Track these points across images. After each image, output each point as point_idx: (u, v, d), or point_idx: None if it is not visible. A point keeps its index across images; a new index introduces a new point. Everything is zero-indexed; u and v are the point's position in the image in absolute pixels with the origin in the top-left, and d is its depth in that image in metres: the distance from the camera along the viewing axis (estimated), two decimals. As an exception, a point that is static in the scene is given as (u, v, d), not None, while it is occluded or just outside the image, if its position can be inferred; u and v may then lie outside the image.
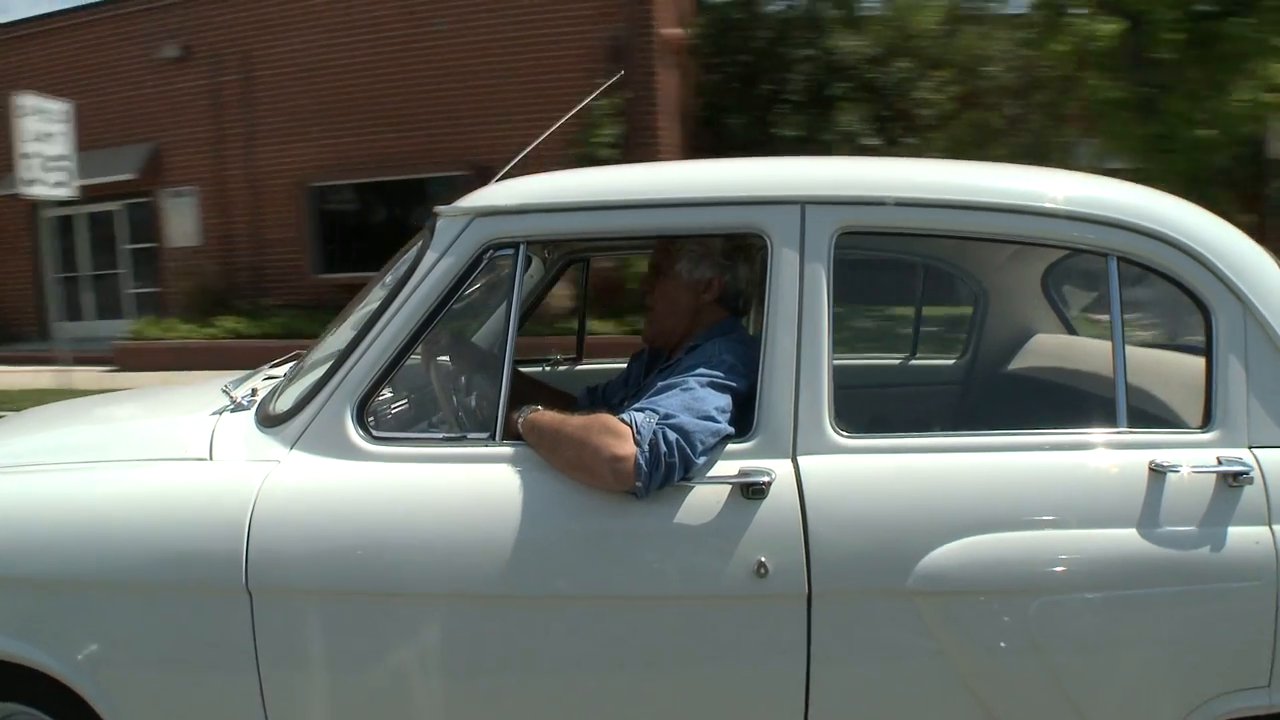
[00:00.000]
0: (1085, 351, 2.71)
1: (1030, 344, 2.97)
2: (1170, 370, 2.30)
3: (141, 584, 2.00)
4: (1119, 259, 2.03)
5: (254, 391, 2.43)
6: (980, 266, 3.06)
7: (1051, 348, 2.88)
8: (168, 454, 2.17)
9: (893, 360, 3.37)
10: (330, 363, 2.12)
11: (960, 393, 3.14)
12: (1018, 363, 2.93)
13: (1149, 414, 2.19)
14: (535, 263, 3.15)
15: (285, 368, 2.59)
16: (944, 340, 3.73)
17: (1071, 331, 2.99)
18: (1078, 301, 3.04)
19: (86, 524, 2.04)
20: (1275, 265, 2.10)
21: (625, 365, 2.77)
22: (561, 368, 3.44)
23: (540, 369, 3.39)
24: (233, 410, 2.31)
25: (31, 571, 2.04)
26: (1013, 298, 3.04)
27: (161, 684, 2.03)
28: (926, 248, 3.05)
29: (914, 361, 3.33)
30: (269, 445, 2.09)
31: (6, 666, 2.10)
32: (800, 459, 1.93)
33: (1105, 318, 2.09)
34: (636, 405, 1.96)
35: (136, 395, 3.34)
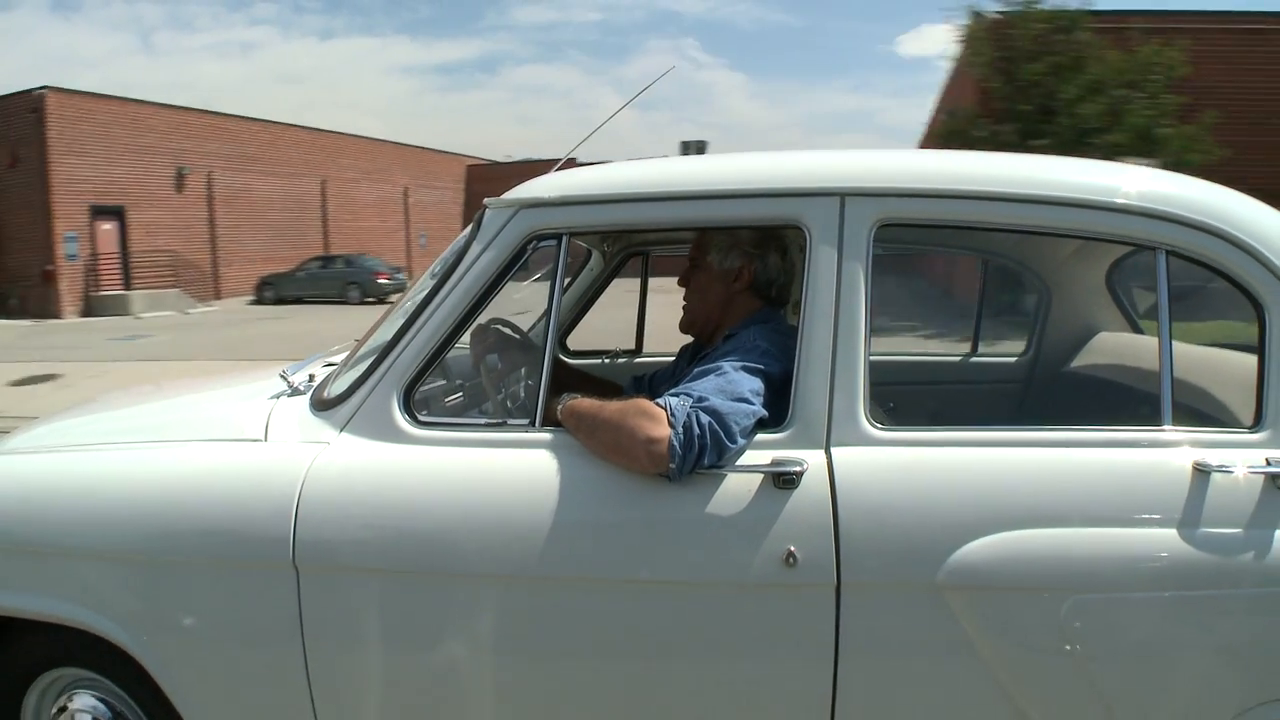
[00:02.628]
0: (1147, 350, 2.70)
1: (1093, 342, 2.96)
2: (1225, 368, 2.29)
3: (197, 558, 2.15)
4: (1168, 253, 2.03)
5: (311, 377, 2.57)
6: (1043, 263, 3.06)
7: (1113, 346, 2.87)
8: (226, 435, 2.32)
9: (953, 358, 3.38)
10: (380, 350, 2.25)
11: (1016, 390, 3.14)
12: (1078, 360, 2.92)
13: (1199, 412, 2.19)
14: (595, 256, 3.25)
15: (341, 355, 2.73)
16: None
17: (1137, 330, 2.97)
18: (1148, 300, 3.02)
19: (148, 499, 2.21)
20: None
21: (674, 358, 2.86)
22: (621, 360, 3.54)
23: (600, 361, 3.50)
24: (290, 395, 2.45)
25: (97, 544, 2.20)
26: (1077, 295, 3.03)
27: (213, 654, 2.18)
28: (988, 243, 3.06)
29: (974, 359, 3.34)
30: (320, 428, 2.23)
31: (74, 634, 2.28)
32: (834, 450, 1.99)
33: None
34: (672, 390, 2.05)
35: (203, 380, 3.54)
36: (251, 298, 30.02)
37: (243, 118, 32.30)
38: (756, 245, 2.39)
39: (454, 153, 45.17)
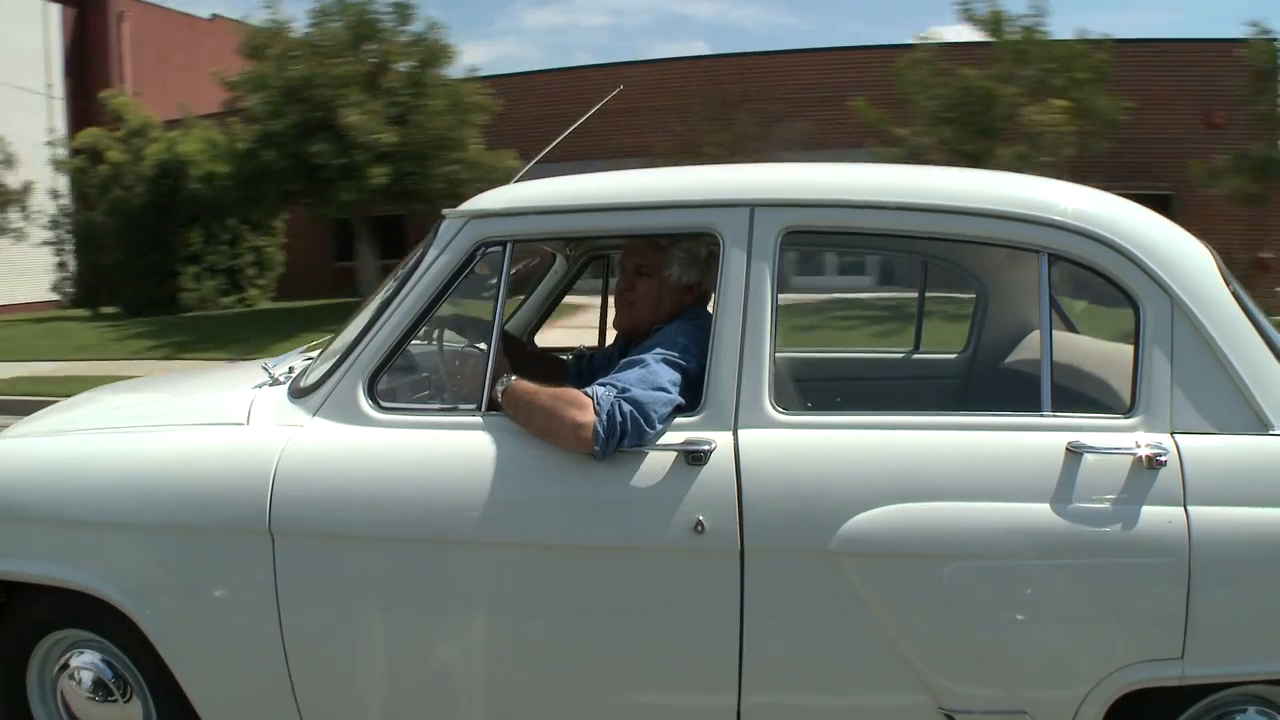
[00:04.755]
0: (1071, 346, 2.94)
1: (1027, 340, 3.21)
2: (1111, 359, 2.54)
3: (186, 526, 2.48)
4: (1049, 255, 2.30)
5: (290, 369, 2.90)
6: (979, 265, 3.32)
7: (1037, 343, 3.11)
8: (213, 419, 2.65)
9: (896, 354, 3.66)
10: (348, 345, 2.57)
11: (956, 384, 3.40)
12: (1010, 357, 3.17)
13: (1086, 398, 2.44)
14: (559, 260, 3.56)
15: (319, 350, 3.06)
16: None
17: (1072, 329, 3.21)
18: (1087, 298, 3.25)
19: (143, 475, 2.54)
20: (1208, 259, 2.32)
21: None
22: (585, 356, 3.83)
23: (566, 358, 3.80)
24: (271, 385, 2.78)
25: (99, 516, 2.54)
26: (1012, 295, 3.29)
27: (200, 614, 2.50)
28: (927, 248, 3.33)
29: (916, 355, 3.61)
30: (296, 413, 2.55)
31: (78, 597, 2.61)
32: (740, 431, 2.28)
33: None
34: (600, 380, 2.35)
35: (196, 373, 3.90)
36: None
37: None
38: (710, 261, 2.67)
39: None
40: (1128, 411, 2.26)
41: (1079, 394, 2.48)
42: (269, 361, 3.00)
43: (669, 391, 2.31)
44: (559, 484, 2.32)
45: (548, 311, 3.63)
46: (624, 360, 2.43)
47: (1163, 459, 2.17)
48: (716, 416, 2.30)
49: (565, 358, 3.43)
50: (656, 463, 2.27)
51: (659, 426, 2.28)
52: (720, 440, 2.27)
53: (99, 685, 2.70)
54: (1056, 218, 2.29)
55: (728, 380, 2.30)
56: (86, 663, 2.71)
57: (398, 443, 2.43)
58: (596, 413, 2.25)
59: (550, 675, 2.38)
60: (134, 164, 20.70)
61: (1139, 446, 2.19)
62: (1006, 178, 2.47)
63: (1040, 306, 2.33)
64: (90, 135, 21.49)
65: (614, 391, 2.29)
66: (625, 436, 2.24)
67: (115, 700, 2.70)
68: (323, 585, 2.42)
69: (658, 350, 2.40)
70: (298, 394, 2.62)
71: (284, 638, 2.43)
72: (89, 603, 2.61)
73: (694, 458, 2.25)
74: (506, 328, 3.14)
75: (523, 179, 2.73)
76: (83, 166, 21.76)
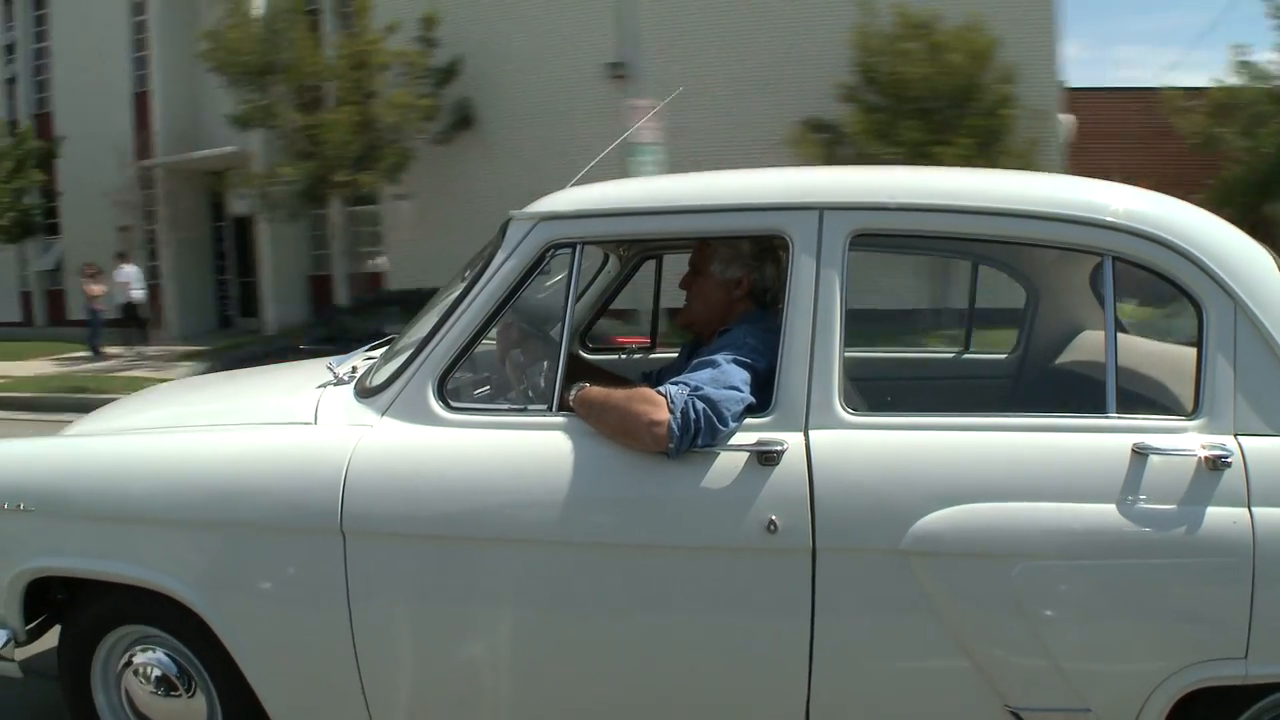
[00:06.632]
0: (1123, 347, 3.00)
1: (1077, 340, 3.28)
2: (1174, 362, 2.61)
3: (257, 526, 2.56)
4: (1114, 259, 2.37)
5: (354, 369, 2.98)
6: (1030, 267, 3.39)
7: (1092, 343, 3.19)
8: (281, 419, 2.74)
9: (946, 354, 3.73)
10: (416, 345, 2.65)
11: (1006, 384, 3.47)
12: (1063, 357, 3.25)
13: (1148, 400, 2.51)
14: (612, 260, 3.63)
15: (381, 350, 3.14)
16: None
17: (1122, 329, 3.28)
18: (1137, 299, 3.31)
19: (212, 475, 2.63)
20: (1270, 262, 2.39)
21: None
22: (637, 355, 3.93)
23: (618, 356, 3.88)
24: (335, 384, 2.86)
25: (169, 515, 2.62)
26: (1062, 297, 3.36)
27: (270, 613, 2.59)
28: (979, 250, 3.40)
29: (966, 356, 3.69)
30: (364, 413, 2.63)
31: (143, 594, 2.69)
32: (811, 432, 2.36)
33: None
34: (672, 380, 2.44)
35: (256, 372, 3.97)
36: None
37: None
38: (755, 257, 2.77)
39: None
40: (1191, 413, 2.32)
41: (1138, 395, 2.55)
42: (333, 361, 3.07)
43: (741, 391, 2.39)
44: (633, 484, 2.39)
45: (600, 312, 3.71)
46: (695, 361, 2.51)
47: (1227, 460, 2.23)
48: (787, 417, 2.37)
49: (616, 358, 3.51)
50: (729, 463, 2.34)
51: (731, 425, 2.35)
52: (791, 441, 2.34)
53: (163, 680, 2.79)
54: (1122, 222, 2.36)
55: (798, 382, 2.37)
56: (151, 659, 2.80)
57: (470, 442, 2.51)
58: (671, 410, 2.33)
59: (622, 673, 2.46)
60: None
61: (1203, 448, 2.25)
62: (1066, 181, 2.55)
63: (1105, 309, 2.39)
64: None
65: (687, 390, 2.36)
66: (699, 434, 2.32)
67: (179, 695, 2.79)
68: (395, 584, 2.50)
69: (727, 351, 2.48)
70: (365, 394, 2.70)
71: (354, 636, 2.51)
72: (155, 599, 2.69)
73: (766, 458, 2.33)
74: (553, 331, 3.21)
75: (579, 183, 2.80)
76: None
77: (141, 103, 22.26)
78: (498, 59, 17.66)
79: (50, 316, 24.49)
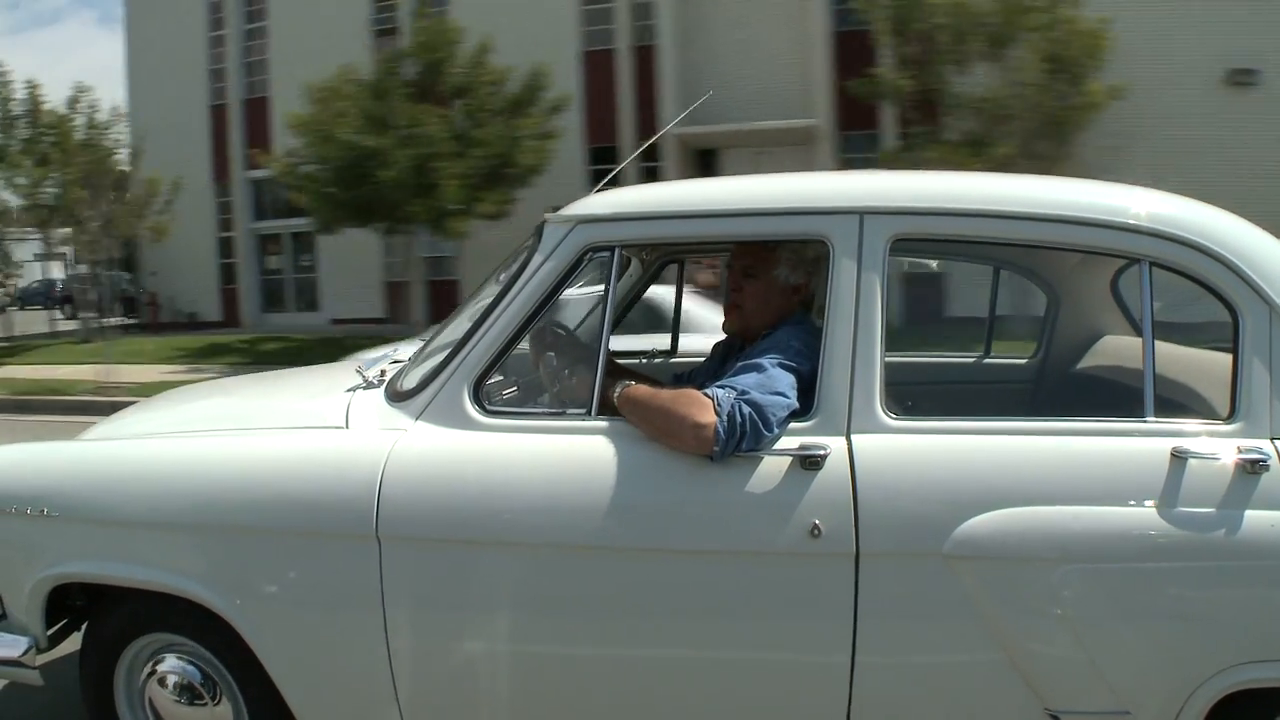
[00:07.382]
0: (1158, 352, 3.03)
1: (1098, 345, 3.31)
2: (1207, 367, 2.64)
3: (289, 531, 2.54)
4: (1151, 264, 2.40)
5: (383, 372, 2.97)
6: (1052, 272, 3.43)
7: (1114, 348, 3.22)
8: (311, 423, 2.72)
9: (967, 359, 3.76)
10: (450, 348, 2.64)
11: (1027, 388, 3.50)
12: (1084, 362, 3.28)
13: (1183, 406, 2.54)
14: (634, 263, 3.64)
15: (410, 352, 3.13)
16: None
17: (1139, 333, 3.31)
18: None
19: (243, 479, 2.61)
20: None
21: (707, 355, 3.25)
22: (658, 360, 3.93)
23: (638, 361, 3.89)
24: (364, 388, 2.85)
25: (197, 519, 2.60)
26: (1083, 302, 3.40)
27: (302, 619, 2.57)
28: (1001, 254, 3.43)
29: (987, 360, 3.71)
30: (397, 417, 2.62)
31: (166, 601, 2.67)
32: (854, 436, 2.37)
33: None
34: (718, 383, 2.44)
35: (282, 375, 3.96)
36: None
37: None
38: (816, 262, 2.75)
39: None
40: (1228, 417, 2.35)
41: (1174, 400, 2.58)
42: (361, 363, 3.06)
43: (786, 396, 2.40)
44: (675, 488, 2.40)
45: (621, 316, 3.71)
46: (739, 364, 2.52)
47: (1265, 464, 2.26)
48: (829, 422, 2.38)
49: (636, 362, 3.51)
50: (772, 467, 2.35)
51: (776, 430, 2.36)
52: (834, 445, 2.35)
53: (188, 689, 2.77)
54: (1159, 227, 2.39)
55: (840, 386, 2.39)
56: (175, 667, 2.79)
57: (507, 447, 2.50)
58: (717, 413, 2.33)
59: (664, 676, 2.46)
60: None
61: (1240, 452, 2.28)
62: (1110, 187, 2.57)
63: (1143, 314, 2.42)
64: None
65: (734, 393, 2.37)
66: (744, 439, 2.33)
67: (205, 704, 2.77)
68: (431, 589, 2.49)
69: (772, 355, 2.49)
70: (397, 397, 2.69)
71: (389, 642, 2.50)
72: (180, 606, 2.67)
73: (809, 462, 2.34)
74: (578, 332, 3.21)
75: (603, 188, 2.80)
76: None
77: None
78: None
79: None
